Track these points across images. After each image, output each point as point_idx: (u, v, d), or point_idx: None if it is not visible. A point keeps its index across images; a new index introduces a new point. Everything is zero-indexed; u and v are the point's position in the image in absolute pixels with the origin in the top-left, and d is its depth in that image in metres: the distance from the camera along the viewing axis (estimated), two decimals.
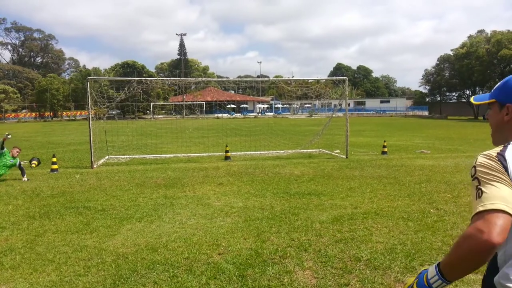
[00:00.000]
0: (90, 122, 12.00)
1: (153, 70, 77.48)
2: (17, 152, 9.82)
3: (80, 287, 3.73)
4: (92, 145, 11.65)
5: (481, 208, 1.28)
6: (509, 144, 1.42)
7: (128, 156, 13.38)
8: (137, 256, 4.48)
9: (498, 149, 1.42)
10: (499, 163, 1.36)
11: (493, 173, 1.34)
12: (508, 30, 49.77)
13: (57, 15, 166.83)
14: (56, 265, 4.25)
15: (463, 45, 55.11)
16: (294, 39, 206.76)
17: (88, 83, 12.45)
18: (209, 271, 4.04)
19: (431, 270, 1.39)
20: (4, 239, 5.14)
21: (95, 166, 11.44)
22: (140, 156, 13.59)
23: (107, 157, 13.08)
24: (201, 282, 3.79)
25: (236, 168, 10.81)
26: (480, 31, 56.77)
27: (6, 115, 57.60)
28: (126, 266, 4.20)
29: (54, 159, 10.87)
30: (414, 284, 1.43)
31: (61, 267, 4.21)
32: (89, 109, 12.20)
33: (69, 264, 4.28)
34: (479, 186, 1.34)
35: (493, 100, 1.54)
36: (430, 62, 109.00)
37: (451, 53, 58.05)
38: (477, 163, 1.40)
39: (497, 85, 1.56)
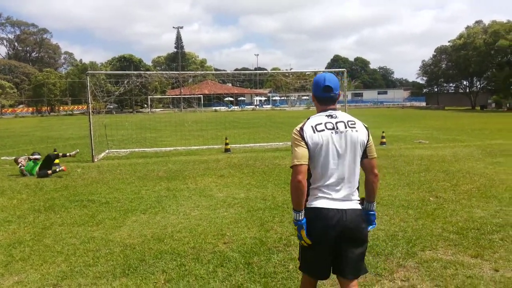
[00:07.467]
0: (90, 116, 12.04)
1: (150, 64, 77.03)
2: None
3: (90, 277, 3.82)
4: (92, 139, 11.70)
5: (292, 163, 2.39)
6: (308, 119, 2.45)
7: (128, 149, 13.44)
8: (144, 246, 4.57)
9: (302, 124, 2.44)
10: (299, 134, 2.39)
11: (296, 140, 2.39)
12: (508, 20, 49.52)
13: (45, 8, 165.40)
14: (65, 256, 4.34)
15: (460, 36, 54.95)
16: (291, 30, 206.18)
17: (88, 77, 12.46)
18: (215, 259, 4.14)
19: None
20: (12, 232, 5.22)
21: (96, 160, 11.50)
22: (140, 149, 13.64)
23: (107, 151, 13.13)
24: (209, 270, 3.89)
25: (237, 160, 10.89)
26: (478, 22, 56.52)
27: (3, 110, 57.42)
28: (134, 256, 4.29)
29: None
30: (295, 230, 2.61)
31: (70, 258, 4.29)
32: (88, 103, 12.23)
33: (78, 255, 4.37)
34: (292, 148, 2.42)
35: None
36: (429, 53, 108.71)
37: (448, 44, 57.94)
38: (291, 134, 2.45)
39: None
